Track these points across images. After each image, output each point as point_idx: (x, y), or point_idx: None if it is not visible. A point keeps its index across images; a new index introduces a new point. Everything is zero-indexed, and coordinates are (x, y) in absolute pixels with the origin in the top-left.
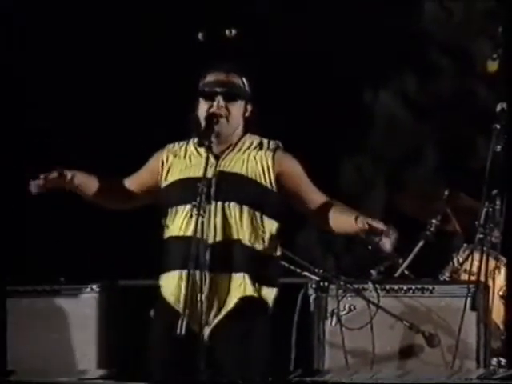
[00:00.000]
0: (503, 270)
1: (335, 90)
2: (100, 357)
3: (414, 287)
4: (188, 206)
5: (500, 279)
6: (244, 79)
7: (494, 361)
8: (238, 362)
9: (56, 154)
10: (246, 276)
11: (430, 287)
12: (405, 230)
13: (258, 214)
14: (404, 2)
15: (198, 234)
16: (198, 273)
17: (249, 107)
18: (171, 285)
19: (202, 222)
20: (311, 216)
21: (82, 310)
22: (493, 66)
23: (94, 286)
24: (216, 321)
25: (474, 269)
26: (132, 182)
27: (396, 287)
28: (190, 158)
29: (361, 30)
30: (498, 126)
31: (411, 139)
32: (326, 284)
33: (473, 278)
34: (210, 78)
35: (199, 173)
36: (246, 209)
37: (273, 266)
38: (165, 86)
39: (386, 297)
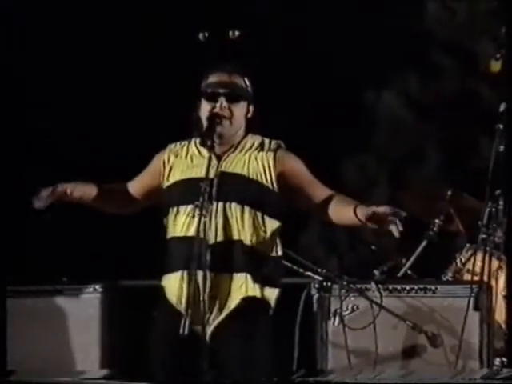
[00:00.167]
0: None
1: (338, 90)
2: (102, 357)
3: (416, 287)
4: (190, 207)
5: (503, 279)
6: (246, 80)
7: (497, 361)
8: (240, 363)
9: (56, 154)
10: (248, 276)
11: (433, 287)
12: (408, 230)
13: (259, 215)
14: (407, 2)
15: (201, 234)
16: (199, 273)
17: (251, 108)
18: (173, 285)
19: (205, 222)
20: (317, 211)
21: (84, 310)
22: (496, 66)
23: (97, 287)
24: (217, 321)
25: (477, 269)
26: (135, 185)
27: (399, 287)
28: (191, 158)
29: (363, 30)
30: (500, 126)
31: (414, 139)
32: (329, 284)
33: (476, 278)
34: (212, 78)
35: (201, 173)
36: (247, 209)
37: (275, 266)
38: (166, 86)
39: (389, 297)
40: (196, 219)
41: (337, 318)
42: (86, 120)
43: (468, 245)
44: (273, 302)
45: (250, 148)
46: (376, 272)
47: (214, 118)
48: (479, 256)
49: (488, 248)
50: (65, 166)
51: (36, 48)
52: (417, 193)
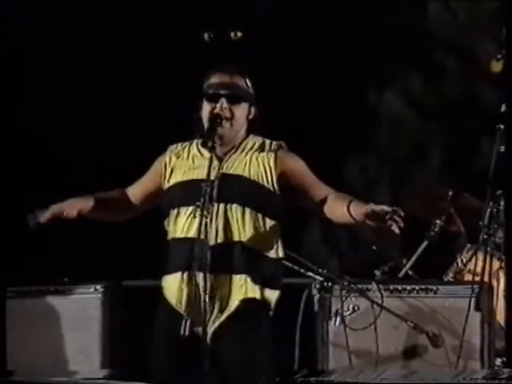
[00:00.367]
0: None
1: (340, 90)
2: (103, 357)
3: (417, 287)
4: (190, 208)
5: (504, 279)
6: (248, 81)
7: (498, 361)
8: (241, 364)
9: (56, 154)
10: (248, 278)
11: (434, 288)
12: (409, 230)
13: (260, 216)
14: (409, 3)
15: (202, 235)
16: (199, 274)
17: (252, 110)
18: (173, 286)
19: (206, 223)
20: (318, 210)
21: (85, 310)
22: (497, 66)
23: (98, 287)
24: (218, 323)
25: (478, 269)
26: (135, 190)
27: (400, 287)
28: (192, 159)
29: (365, 30)
30: (502, 127)
31: (415, 139)
32: (330, 284)
33: (477, 278)
34: (214, 79)
35: (202, 175)
36: (248, 210)
37: (275, 267)
38: (167, 86)
39: (390, 297)
40: (197, 220)
41: (338, 319)
42: (86, 121)
43: (469, 245)
44: (273, 304)
45: (251, 149)
46: (377, 272)
47: (215, 119)
48: (480, 256)
49: (489, 248)
50: (65, 167)
51: (36, 48)
52: (418, 193)
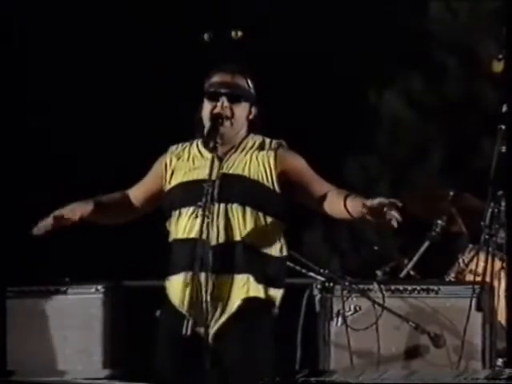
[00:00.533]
0: None
1: (340, 90)
2: (105, 357)
3: (419, 288)
4: (192, 209)
5: (505, 280)
6: (249, 81)
7: (500, 361)
8: (243, 363)
9: (58, 155)
10: (250, 277)
11: (436, 288)
12: (410, 230)
13: (261, 215)
14: (409, 3)
15: (204, 235)
16: (202, 274)
17: (253, 110)
18: (175, 287)
19: (208, 223)
20: (319, 207)
21: (86, 310)
22: (498, 66)
23: (99, 287)
24: (220, 323)
25: (480, 269)
26: (136, 192)
27: (401, 288)
28: (193, 160)
29: (366, 30)
30: (503, 127)
31: (417, 139)
32: (332, 284)
33: (478, 278)
34: (215, 78)
35: (203, 175)
36: (248, 210)
37: (278, 266)
38: (167, 87)
39: (392, 297)
40: (199, 220)
41: (339, 319)
42: (86, 121)
43: (470, 245)
44: (277, 302)
45: (251, 148)
46: (378, 272)
47: (217, 119)
48: (482, 256)
49: (490, 248)
50: (65, 167)
51: (36, 48)
52: (419, 193)
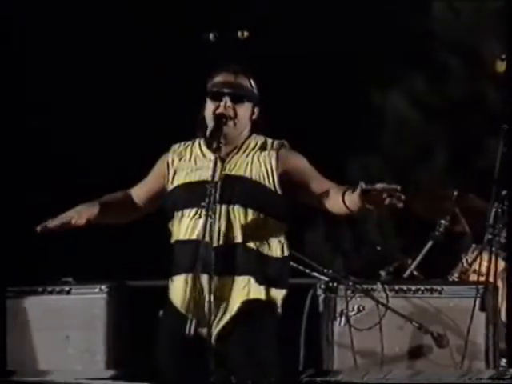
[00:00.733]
0: None
1: (344, 90)
2: (108, 357)
3: (422, 288)
4: (194, 210)
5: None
6: (252, 81)
7: (503, 361)
8: (245, 364)
9: (59, 155)
10: (251, 279)
11: (439, 288)
12: (414, 230)
13: (262, 217)
14: (412, 3)
15: (207, 235)
16: (203, 276)
17: (256, 110)
18: (177, 288)
19: (211, 223)
20: (321, 205)
21: (90, 310)
22: (502, 66)
23: (103, 287)
24: (221, 325)
25: (483, 269)
26: (139, 191)
27: (405, 288)
28: (195, 160)
29: (369, 30)
30: (506, 127)
31: (420, 139)
32: (335, 284)
33: (482, 278)
34: (218, 78)
35: (205, 176)
36: (250, 211)
37: (280, 266)
38: (169, 86)
39: (395, 297)
40: (202, 221)
41: (343, 319)
42: (86, 121)
43: (474, 245)
44: (279, 303)
45: (253, 149)
46: (382, 272)
47: (221, 119)
48: (485, 256)
49: (494, 248)
50: (65, 167)
51: (36, 48)
52: (423, 193)
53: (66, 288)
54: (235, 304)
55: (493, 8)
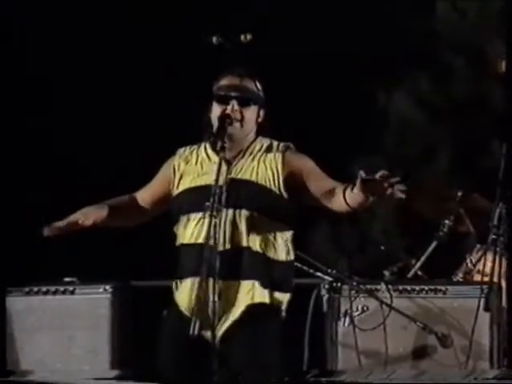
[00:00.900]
0: None
1: (348, 90)
2: (113, 357)
3: (427, 288)
4: (200, 214)
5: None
6: (258, 84)
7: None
8: (249, 366)
9: (57, 153)
10: (256, 283)
11: (443, 288)
12: (418, 230)
13: (268, 221)
14: (416, 3)
15: (211, 237)
16: (209, 280)
17: (262, 112)
18: (183, 292)
19: (215, 224)
20: (326, 203)
21: (94, 310)
22: (504, 66)
23: (107, 287)
24: (225, 327)
25: (487, 269)
26: (144, 195)
27: (409, 288)
28: (201, 164)
29: (373, 30)
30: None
31: (425, 140)
32: (339, 285)
33: (486, 278)
34: (224, 81)
35: (211, 180)
36: (256, 216)
37: (285, 270)
38: (170, 87)
39: (399, 297)
40: (206, 221)
41: (347, 319)
42: (87, 121)
43: (478, 245)
44: (283, 306)
45: (259, 151)
46: (386, 273)
47: (225, 119)
48: (489, 257)
49: (498, 249)
50: (65, 167)
51: (36, 48)
52: (427, 193)
53: (71, 288)
54: (240, 308)
55: (497, 8)
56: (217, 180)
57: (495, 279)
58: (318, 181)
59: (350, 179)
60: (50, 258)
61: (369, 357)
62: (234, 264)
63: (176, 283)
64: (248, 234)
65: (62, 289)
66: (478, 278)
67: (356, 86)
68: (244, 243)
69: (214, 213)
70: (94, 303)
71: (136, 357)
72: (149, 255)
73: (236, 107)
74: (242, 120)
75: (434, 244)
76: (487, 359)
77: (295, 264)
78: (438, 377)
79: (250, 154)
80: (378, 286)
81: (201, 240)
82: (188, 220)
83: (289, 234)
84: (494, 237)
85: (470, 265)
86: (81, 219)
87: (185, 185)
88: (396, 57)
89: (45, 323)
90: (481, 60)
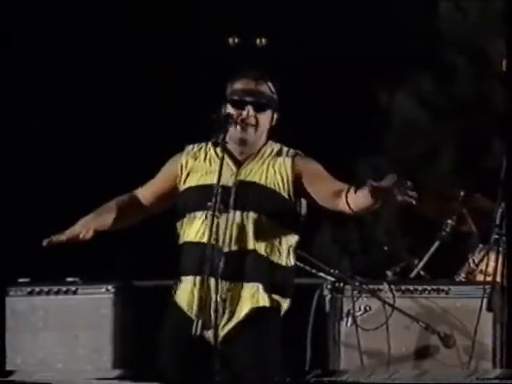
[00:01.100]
0: None
1: (351, 90)
2: (115, 357)
3: (429, 288)
4: (206, 213)
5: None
6: (272, 86)
7: None
8: (249, 369)
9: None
10: (260, 286)
11: (446, 288)
12: (420, 230)
13: (276, 225)
14: (419, 3)
15: (213, 236)
16: (211, 279)
17: (275, 116)
18: (185, 290)
19: (218, 224)
20: (334, 205)
21: (97, 310)
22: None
23: (109, 287)
24: (227, 328)
25: (490, 269)
26: (145, 193)
27: (411, 288)
28: (210, 162)
29: (376, 30)
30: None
31: (427, 140)
32: (342, 285)
33: (489, 278)
34: (238, 85)
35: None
36: (264, 219)
37: (287, 276)
38: (169, 86)
39: (402, 297)
40: (209, 220)
41: (349, 319)
42: (87, 121)
43: (481, 245)
44: (283, 311)
45: (269, 156)
46: (388, 273)
47: (228, 120)
48: (492, 256)
49: (501, 248)
50: (67, 168)
51: (36, 48)
52: (430, 193)
53: (73, 288)
54: (243, 310)
55: (500, 8)
56: (219, 180)
57: (498, 279)
58: (325, 183)
59: (353, 179)
60: (53, 258)
61: (371, 357)
62: (239, 266)
63: (177, 281)
64: (254, 237)
65: (64, 289)
66: (480, 277)
67: (359, 86)
68: (250, 246)
69: (217, 213)
70: (96, 303)
71: (139, 357)
72: (151, 255)
73: (251, 112)
74: (256, 125)
75: (436, 244)
76: (490, 359)
77: (298, 263)
78: (441, 377)
79: (261, 158)
80: (381, 286)
81: (205, 239)
82: (194, 218)
83: (293, 240)
84: (496, 237)
85: (472, 265)
86: (82, 233)
87: (192, 182)
88: (399, 57)
89: (47, 323)
90: (484, 60)
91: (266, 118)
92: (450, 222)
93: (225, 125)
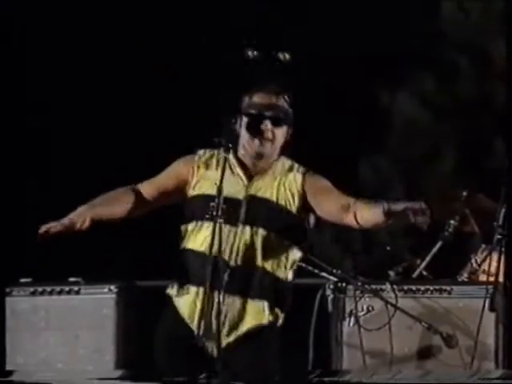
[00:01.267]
0: None
1: (353, 91)
2: (117, 357)
3: (432, 288)
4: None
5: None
6: (288, 100)
7: None
8: (250, 376)
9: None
10: (266, 304)
11: (449, 288)
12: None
13: (284, 242)
14: (421, 3)
15: (220, 247)
16: (215, 292)
17: (290, 131)
18: (187, 299)
19: (220, 226)
20: (342, 220)
21: (99, 310)
22: None
23: (112, 287)
24: (227, 341)
25: (493, 269)
26: (149, 187)
27: (414, 288)
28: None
29: (378, 31)
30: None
31: (430, 140)
32: (344, 285)
33: (491, 278)
34: (256, 98)
35: (228, 192)
36: (273, 236)
37: (287, 290)
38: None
39: (404, 298)
40: (209, 231)
41: (352, 319)
42: (87, 121)
43: (483, 245)
44: (279, 323)
45: (280, 172)
46: (391, 273)
47: (245, 131)
48: (495, 257)
49: (503, 249)
50: (66, 168)
51: (36, 48)
52: (432, 193)
53: (76, 288)
54: (245, 325)
55: (502, 8)
56: (220, 181)
57: (500, 279)
58: (331, 197)
59: (356, 179)
60: (55, 257)
61: (374, 357)
62: (245, 281)
63: (178, 288)
64: (262, 254)
65: (66, 289)
66: (483, 278)
67: (361, 86)
68: (257, 263)
69: (224, 224)
70: (98, 303)
71: (141, 357)
72: (154, 255)
73: (269, 126)
74: (273, 140)
75: (439, 244)
76: (492, 359)
77: (300, 263)
78: (443, 377)
79: (273, 174)
80: (383, 286)
81: (212, 250)
82: (201, 227)
83: (298, 255)
84: (499, 237)
85: (475, 265)
86: (78, 223)
87: (202, 189)
88: (401, 57)
89: (50, 323)
90: (486, 60)
91: (281, 133)
92: (452, 222)
93: (238, 135)
